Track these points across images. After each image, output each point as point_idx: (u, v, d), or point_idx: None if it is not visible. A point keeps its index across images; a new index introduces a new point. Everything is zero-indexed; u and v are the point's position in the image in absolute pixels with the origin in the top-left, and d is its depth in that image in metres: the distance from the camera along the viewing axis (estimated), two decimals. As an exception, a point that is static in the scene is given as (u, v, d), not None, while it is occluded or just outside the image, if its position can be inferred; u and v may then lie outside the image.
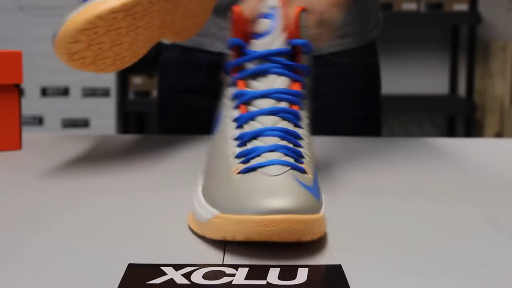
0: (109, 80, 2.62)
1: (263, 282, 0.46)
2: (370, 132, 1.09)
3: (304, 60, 0.62)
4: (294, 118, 0.58)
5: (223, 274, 0.47)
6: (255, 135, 0.56)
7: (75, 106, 2.62)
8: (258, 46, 0.60)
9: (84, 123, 2.64)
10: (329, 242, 0.54)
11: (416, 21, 2.91)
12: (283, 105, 0.58)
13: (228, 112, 0.60)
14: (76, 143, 0.98)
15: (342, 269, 0.48)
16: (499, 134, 2.81)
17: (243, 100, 0.59)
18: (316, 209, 0.52)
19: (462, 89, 2.98)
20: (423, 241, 0.55)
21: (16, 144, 0.90)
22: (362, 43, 1.08)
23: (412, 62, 3.02)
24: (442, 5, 2.80)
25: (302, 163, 0.56)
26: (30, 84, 2.57)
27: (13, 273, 0.48)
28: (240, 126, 0.58)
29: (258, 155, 0.55)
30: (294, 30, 0.60)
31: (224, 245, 0.53)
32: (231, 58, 0.62)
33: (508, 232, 0.58)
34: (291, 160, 0.55)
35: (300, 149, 0.57)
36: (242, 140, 0.57)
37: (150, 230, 0.56)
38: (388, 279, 0.48)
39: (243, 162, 0.55)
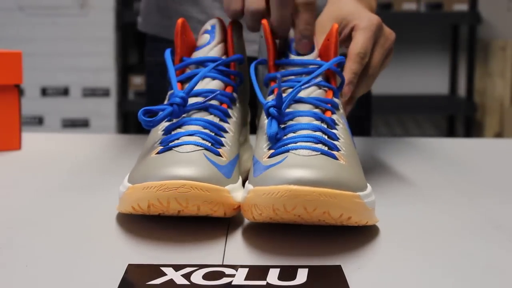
0: (109, 80, 2.61)
1: (263, 282, 0.46)
2: (361, 133, 1.09)
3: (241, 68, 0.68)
4: (222, 114, 0.62)
5: (223, 275, 0.47)
6: (180, 124, 0.60)
7: (75, 106, 2.62)
8: (197, 55, 0.67)
9: (84, 123, 2.63)
10: (329, 242, 0.54)
11: (416, 21, 2.90)
12: (213, 102, 0.63)
13: None
14: (76, 143, 0.98)
15: (342, 269, 0.48)
16: (499, 134, 2.81)
17: None
18: (220, 182, 0.54)
19: (462, 89, 2.97)
20: (422, 241, 0.55)
21: (16, 144, 0.90)
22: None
23: (412, 62, 3.01)
24: (442, 5, 2.79)
25: (219, 147, 0.59)
26: (30, 84, 2.57)
27: (13, 273, 0.48)
28: (170, 120, 0.61)
29: (177, 139, 0.58)
30: (229, 42, 0.67)
31: (224, 245, 0.53)
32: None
33: (507, 233, 0.58)
34: (207, 144, 0.58)
35: (222, 139, 0.60)
36: (168, 129, 0.60)
37: (150, 230, 0.56)
38: (388, 280, 0.48)
39: (163, 145, 0.58)
